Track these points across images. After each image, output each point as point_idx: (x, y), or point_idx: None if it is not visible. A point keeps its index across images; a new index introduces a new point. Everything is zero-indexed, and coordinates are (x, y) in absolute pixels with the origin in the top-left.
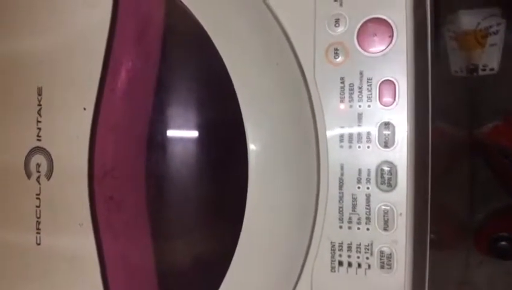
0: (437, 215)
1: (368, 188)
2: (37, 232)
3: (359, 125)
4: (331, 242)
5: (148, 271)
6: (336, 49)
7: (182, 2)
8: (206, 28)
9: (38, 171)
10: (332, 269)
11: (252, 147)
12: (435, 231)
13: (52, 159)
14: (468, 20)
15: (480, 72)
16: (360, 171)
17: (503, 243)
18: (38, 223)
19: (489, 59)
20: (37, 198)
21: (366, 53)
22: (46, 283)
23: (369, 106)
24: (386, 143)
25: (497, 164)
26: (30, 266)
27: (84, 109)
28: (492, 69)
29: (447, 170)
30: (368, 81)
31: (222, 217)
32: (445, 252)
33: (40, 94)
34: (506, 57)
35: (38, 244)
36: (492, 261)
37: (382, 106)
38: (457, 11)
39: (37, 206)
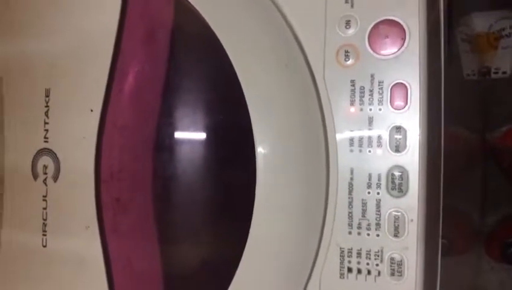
0: (448, 220)
1: (378, 193)
2: (43, 234)
3: (370, 129)
4: (340, 248)
5: (154, 274)
6: (347, 51)
7: (189, 3)
8: (214, 29)
9: (45, 173)
10: (341, 275)
11: (260, 149)
12: (446, 237)
13: (59, 161)
14: (480, 23)
15: (493, 75)
16: (370, 176)
17: None
18: (44, 225)
19: (502, 62)
20: (44, 200)
21: (377, 55)
22: (52, 285)
23: (380, 110)
24: (397, 147)
25: (509, 168)
26: (35, 268)
27: (92, 110)
28: (504, 73)
29: (458, 175)
30: (379, 84)
31: (229, 220)
32: (457, 258)
33: (47, 96)
34: None
35: (44, 246)
36: (504, 266)
37: (393, 110)
38: (470, 13)
39: (43, 208)
